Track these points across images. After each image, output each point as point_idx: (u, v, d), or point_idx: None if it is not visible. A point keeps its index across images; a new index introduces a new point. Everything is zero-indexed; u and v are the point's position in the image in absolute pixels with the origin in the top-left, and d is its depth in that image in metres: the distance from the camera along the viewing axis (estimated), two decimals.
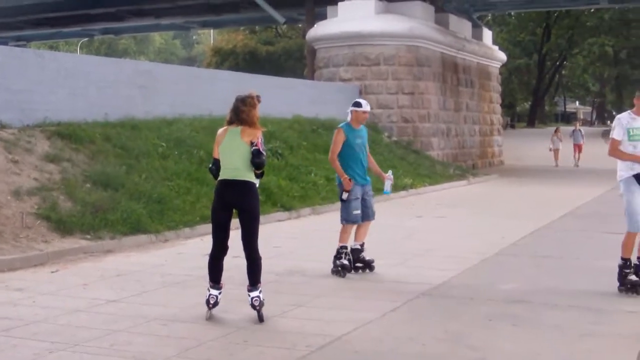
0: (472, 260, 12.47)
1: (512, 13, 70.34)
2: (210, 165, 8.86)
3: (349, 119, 11.25)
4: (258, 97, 8.64)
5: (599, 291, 10.10)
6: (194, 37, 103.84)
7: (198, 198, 16.27)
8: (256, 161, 8.31)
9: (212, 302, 8.53)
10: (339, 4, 33.01)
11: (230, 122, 8.59)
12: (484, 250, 13.28)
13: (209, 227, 14.62)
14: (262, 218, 15.49)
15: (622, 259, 10.01)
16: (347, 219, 11.11)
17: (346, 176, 10.91)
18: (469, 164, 36.52)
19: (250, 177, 8.42)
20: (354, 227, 11.26)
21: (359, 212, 11.08)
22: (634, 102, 10.11)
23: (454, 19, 37.87)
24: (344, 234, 11.17)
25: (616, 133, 10.04)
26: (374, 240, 14.41)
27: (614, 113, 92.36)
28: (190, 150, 18.86)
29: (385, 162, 26.17)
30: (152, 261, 12.26)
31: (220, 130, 8.76)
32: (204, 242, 13.73)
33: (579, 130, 42.58)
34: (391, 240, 14.58)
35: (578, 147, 41.34)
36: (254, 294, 8.34)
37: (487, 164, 40.09)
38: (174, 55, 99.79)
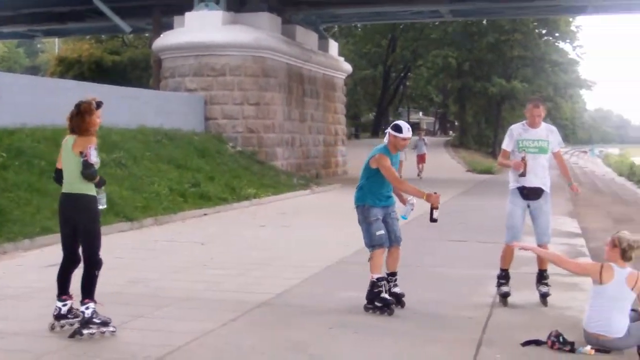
0: (315, 268, 12.63)
1: (358, 25, 71.41)
2: (54, 175, 8.72)
3: (385, 141, 9.81)
4: (99, 103, 8.40)
5: (438, 298, 10.45)
6: (39, 46, 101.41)
7: (39, 209, 16.00)
8: (83, 173, 8.11)
9: (54, 313, 8.37)
10: (186, 14, 32.93)
11: (71, 131, 8.37)
12: (326, 259, 13.46)
13: (49, 238, 14.59)
14: (104, 229, 15.25)
15: (500, 269, 10.27)
16: (371, 242, 9.67)
17: (426, 192, 9.56)
18: (313, 173, 36.89)
19: (86, 189, 8.22)
20: (384, 252, 9.79)
21: (382, 232, 9.65)
22: (525, 113, 10.22)
23: (300, 30, 38.29)
24: (374, 262, 9.69)
25: (505, 144, 10.26)
26: (218, 251, 14.56)
27: (456, 123, 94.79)
28: (31, 161, 18.53)
29: (230, 172, 26.36)
30: None
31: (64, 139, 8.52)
32: (44, 254, 13.61)
33: (423, 139, 41.14)
34: (234, 250, 14.70)
35: (421, 158, 39.88)
36: (81, 308, 8.17)
37: (331, 173, 40.53)
38: (17, 64, 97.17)
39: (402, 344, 8.14)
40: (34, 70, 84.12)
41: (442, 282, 11.52)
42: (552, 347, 7.87)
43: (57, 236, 14.69)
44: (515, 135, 10.12)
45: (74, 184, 8.27)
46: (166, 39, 33.55)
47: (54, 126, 20.52)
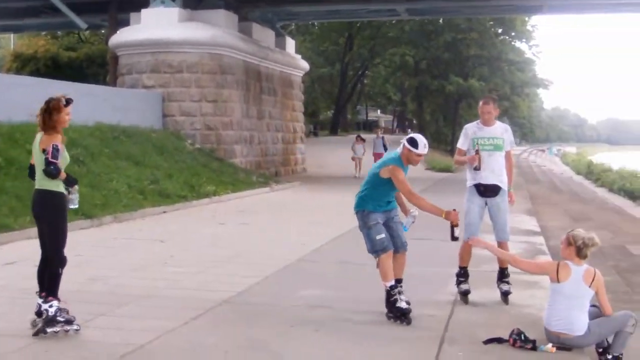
0: (274, 266, 12.62)
1: (316, 23, 71.46)
2: (28, 170, 8.65)
3: (399, 151, 9.20)
4: (68, 100, 8.34)
5: None
6: None
7: None
8: (44, 171, 8.04)
9: (35, 310, 8.27)
10: (142, 11, 32.78)
11: (40, 127, 8.30)
12: (286, 257, 13.45)
13: (6, 236, 14.46)
14: None
15: (459, 267, 10.30)
16: (373, 247, 9.16)
17: (444, 210, 8.86)
18: (272, 171, 36.89)
19: (51, 185, 8.15)
20: (391, 257, 9.21)
21: (383, 235, 9.08)
22: (479, 111, 10.24)
23: (257, 27, 38.29)
24: (382, 268, 9.20)
25: (460, 142, 10.28)
26: (178, 249, 14.49)
27: (414, 122, 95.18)
28: None
29: (188, 169, 26.26)
30: None
31: None
32: (2, 252, 13.49)
33: (381, 137, 39.32)
34: (193, 248, 14.65)
35: (379, 157, 37.67)
36: (44, 305, 8.11)
37: (290, 171, 40.59)
38: None
39: (365, 342, 8.15)
40: None
41: (404, 280, 11.52)
42: (513, 345, 7.91)
43: (14, 234, 14.73)
44: (470, 133, 10.17)
45: (40, 180, 8.20)
46: (122, 36, 33.36)
47: (10, 122, 20.34)
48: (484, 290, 10.55)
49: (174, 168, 25.75)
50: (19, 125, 20.94)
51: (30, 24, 48.93)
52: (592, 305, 8.04)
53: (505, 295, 10.13)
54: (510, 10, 48.92)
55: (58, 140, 8.13)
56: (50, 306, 8.07)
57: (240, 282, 11.16)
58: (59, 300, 8.15)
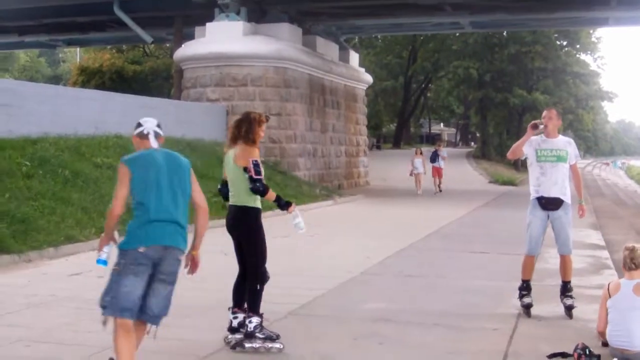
0: (339, 279, 12.62)
1: (379, 36, 71.39)
2: (219, 186, 8.69)
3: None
4: (267, 117, 8.42)
5: (463, 310, 10.40)
6: (60, 55, 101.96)
7: (63, 218, 16.05)
8: (251, 188, 8.18)
9: (227, 326, 8.38)
10: (207, 24, 33.05)
11: (232, 140, 8.34)
12: (350, 270, 13.44)
13: (74, 247, 14.66)
14: None
15: (522, 280, 10.27)
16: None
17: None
18: (335, 184, 36.90)
19: (247, 201, 8.31)
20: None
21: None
22: (542, 119, 10.15)
23: (321, 41, 38.37)
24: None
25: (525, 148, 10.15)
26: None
27: (477, 135, 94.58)
28: (55, 170, 18.59)
29: None
30: (15, 282, 12.01)
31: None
32: (69, 263, 13.68)
33: (441, 151, 38.42)
34: None
35: (437, 171, 37.09)
36: (246, 321, 8.17)
37: (353, 184, 40.57)
38: (39, 73, 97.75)
39: (428, 356, 8.14)
40: (55, 80, 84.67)
41: (465, 294, 11.47)
42: (578, 359, 7.81)
43: (81, 245, 14.90)
44: (534, 144, 10.10)
45: (239, 195, 8.26)
46: (187, 49, 33.66)
47: (77, 136, 20.61)
48: (547, 304, 10.47)
49: None
50: (85, 139, 21.23)
51: (96, 38, 49.61)
52: None
53: (569, 309, 10.03)
54: (575, 23, 48.39)
55: (256, 154, 8.13)
56: (250, 322, 8.12)
57: (304, 295, 11.18)
58: (260, 316, 8.20)
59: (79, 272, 12.67)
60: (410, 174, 37.20)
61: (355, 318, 9.81)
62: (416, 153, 38.24)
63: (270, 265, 14.13)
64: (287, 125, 32.72)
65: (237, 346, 8.04)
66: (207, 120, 30.78)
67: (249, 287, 8.31)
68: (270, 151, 31.86)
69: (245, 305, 8.36)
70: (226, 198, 8.46)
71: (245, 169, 8.00)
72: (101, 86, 48.43)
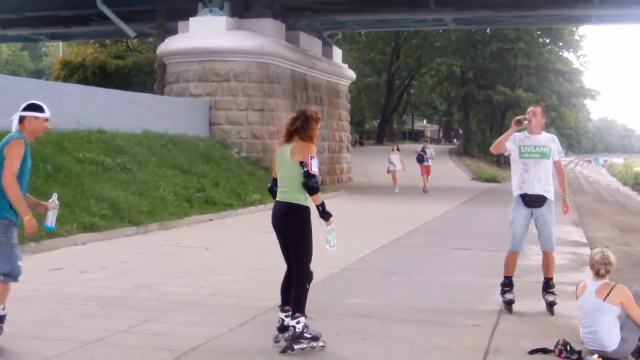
0: (320, 274, 12.57)
1: (362, 32, 71.42)
2: (269, 184, 8.54)
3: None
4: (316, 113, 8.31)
5: (445, 305, 10.40)
6: (43, 49, 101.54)
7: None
8: (305, 184, 8.01)
9: (277, 325, 8.29)
10: (191, 19, 32.92)
11: (287, 138, 8.26)
12: (331, 265, 13.37)
13: (55, 242, 14.56)
14: (109, 233, 15.35)
15: (504, 276, 10.26)
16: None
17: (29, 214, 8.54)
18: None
19: (298, 199, 8.14)
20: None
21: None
22: (528, 118, 10.06)
23: (304, 37, 38.33)
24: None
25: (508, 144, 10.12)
26: (224, 257, 14.52)
27: (460, 131, 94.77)
28: (37, 165, 18.48)
29: (235, 178, 26.33)
30: None
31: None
32: (50, 257, 13.59)
33: (428, 148, 36.90)
34: (239, 255, 14.67)
35: (425, 169, 36.25)
36: (292, 322, 8.03)
37: (336, 180, 40.54)
38: (21, 67, 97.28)
39: (410, 351, 8.12)
40: (38, 74, 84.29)
41: (448, 290, 11.48)
42: (559, 355, 7.85)
43: (61, 240, 14.84)
44: (517, 141, 10.10)
45: (291, 192, 8.11)
46: (170, 44, 33.52)
47: (58, 130, 20.50)
48: (529, 300, 10.48)
49: (221, 176, 25.82)
50: (67, 133, 21.14)
51: (79, 32, 49.46)
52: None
53: (550, 305, 10.04)
54: (558, 21, 48.52)
55: (314, 151, 8.03)
56: (298, 322, 7.99)
57: None
58: (306, 316, 8.10)
59: (60, 267, 12.63)
60: (388, 171, 36.47)
61: (338, 314, 9.80)
62: (393, 149, 37.47)
63: (252, 261, 14.17)
64: (269, 120, 32.65)
65: (287, 350, 7.91)
66: (190, 116, 30.71)
67: (295, 287, 8.24)
68: (252, 147, 31.82)
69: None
70: (275, 197, 8.36)
71: (302, 164, 7.90)
72: (84, 81, 48.22)
